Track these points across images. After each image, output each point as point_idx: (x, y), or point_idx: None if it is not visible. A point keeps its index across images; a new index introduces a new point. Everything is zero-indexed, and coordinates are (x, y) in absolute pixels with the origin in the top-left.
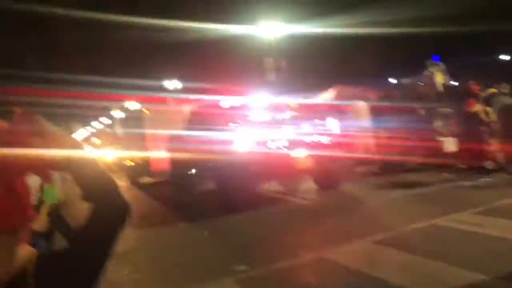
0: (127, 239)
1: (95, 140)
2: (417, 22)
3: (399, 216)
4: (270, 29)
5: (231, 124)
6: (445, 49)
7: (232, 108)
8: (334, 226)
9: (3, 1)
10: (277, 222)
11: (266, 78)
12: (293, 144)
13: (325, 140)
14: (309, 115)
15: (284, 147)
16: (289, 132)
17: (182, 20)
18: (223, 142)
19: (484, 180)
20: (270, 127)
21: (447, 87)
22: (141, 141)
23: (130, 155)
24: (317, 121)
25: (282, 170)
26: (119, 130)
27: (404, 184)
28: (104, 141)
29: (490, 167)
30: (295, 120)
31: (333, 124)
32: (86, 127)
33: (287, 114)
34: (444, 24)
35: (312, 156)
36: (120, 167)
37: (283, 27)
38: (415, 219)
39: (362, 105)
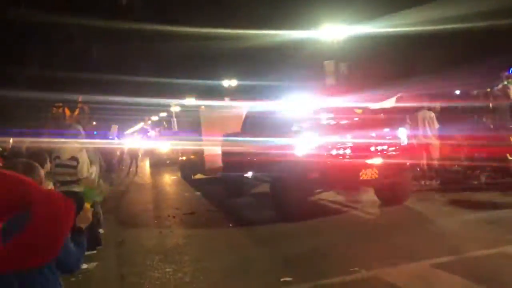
0: (175, 236)
1: (152, 133)
2: (492, 19)
3: (464, 240)
4: (331, 32)
5: (290, 128)
6: None
7: (293, 112)
8: (393, 245)
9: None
10: (332, 234)
11: (327, 82)
12: (358, 153)
13: (393, 150)
14: (375, 122)
15: (348, 155)
16: (354, 140)
17: (244, 28)
18: (282, 146)
19: None
20: (333, 133)
21: None
22: (197, 137)
23: (185, 149)
24: (384, 129)
25: (343, 179)
26: (175, 125)
27: (470, 204)
28: (161, 134)
29: None
30: (359, 126)
31: (402, 133)
32: (145, 121)
33: (352, 120)
34: None
35: (378, 166)
36: (174, 161)
37: (346, 29)
38: (482, 244)
39: (428, 114)
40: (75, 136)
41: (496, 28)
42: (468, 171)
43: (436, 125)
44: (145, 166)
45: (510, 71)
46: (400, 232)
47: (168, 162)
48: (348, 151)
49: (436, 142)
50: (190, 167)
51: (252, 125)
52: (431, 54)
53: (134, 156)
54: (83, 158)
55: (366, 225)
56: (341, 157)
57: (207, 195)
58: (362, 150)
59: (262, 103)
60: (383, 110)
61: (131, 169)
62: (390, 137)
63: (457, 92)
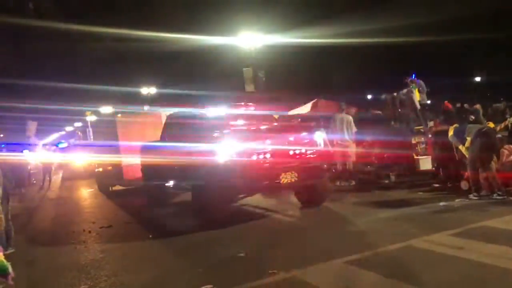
0: (90, 251)
1: (63, 144)
2: (394, 35)
3: (375, 236)
4: (249, 40)
5: (211, 134)
6: (422, 67)
7: (212, 117)
8: (310, 245)
9: None
10: (252, 239)
11: (245, 88)
12: (276, 157)
13: (311, 153)
14: (292, 127)
15: (267, 159)
16: (272, 144)
17: (161, 31)
18: (202, 152)
19: (460, 201)
20: (252, 138)
21: (423, 105)
22: (113, 147)
23: (101, 160)
24: (301, 133)
25: (264, 184)
26: (91, 135)
27: (381, 202)
28: (76, 146)
29: (466, 188)
30: (278, 131)
31: (319, 137)
32: (59, 132)
33: (270, 125)
34: (422, 39)
35: (296, 170)
36: (90, 172)
37: (263, 38)
38: (390, 239)
39: (342, 118)
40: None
41: (402, 41)
42: (380, 171)
43: (354, 129)
44: (59, 179)
45: (413, 77)
46: (317, 232)
47: (83, 174)
48: (268, 156)
49: (352, 145)
50: (108, 179)
51: (172, 132)
52: (344, 63)
53: (47, 170)
54: None
55: (285, 228)
56: (261, 162)
57: (126, 207)
58: (281, 155)
59: (182, 110)
60: (300, 116)
61: (43, 184)
62: (308, 141)
63: (369, 96)
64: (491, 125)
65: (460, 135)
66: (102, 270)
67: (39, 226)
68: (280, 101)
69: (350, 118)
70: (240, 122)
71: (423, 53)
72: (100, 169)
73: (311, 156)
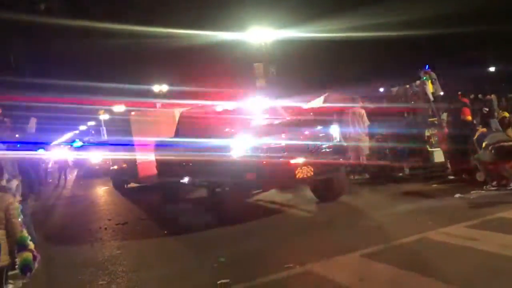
0: (107, 247)
1: (78, 142)
2: (407, 27)
3: (389, 229)
4: (259, 35)
5: (225, 130)
6: (435, 59)
7: (226, 113)
8: (325, 239)
9: None
10: (268, 234)
11: (256, 83)
12: (293, 152)
13: (327, 147)
14: (308, 121)
15: (283, 154)
16: (288, 139)
17: (172, 28)
18: (217, 148)
19: (475, 192)
20: (267, 133)
21: (436, 97)
22: (128, 145)
23: (115, 158)
24: (317, 127)
25: (279, 179)
26: (104, 133)
27: (395, 196)
28: (90, 144)
29: (481, 179)
30: (293, 125)
31: (335, 131)
32: (73, 131)
33: (285, 120)
34: (434, 30)
35: (312, 164)
36: (105, 170)
37: (273, 33)
38: (406, 232)
39: (357, 111)
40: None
41: (415, 33)
42: (393, 164)
43: (366, 123)
44: (74, 178)
45: (427, 68)
46: (332, 226)
47: (98, 172)
48: (283, 151)
49: (365, 138)
50: (122, 176)
51: (186, 128)
52: (356, 56)
53: (62, 168)
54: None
55: (301, 222)
56: (277, 157)
57: (141, 204)
58: (297, 149)
59: (195, 106)
60: (314, 110)
61: (59, 182)
62: (324, 135)
63: (381, 89)
64: (506, 114)
65: (480, 139)
66: (119, 266)
67: (56, 223)
68: (292, 95)
69: (363, 111)
70: (255, 116)
71: (436, 45)
72: (115, 167)
73: (327, 150)
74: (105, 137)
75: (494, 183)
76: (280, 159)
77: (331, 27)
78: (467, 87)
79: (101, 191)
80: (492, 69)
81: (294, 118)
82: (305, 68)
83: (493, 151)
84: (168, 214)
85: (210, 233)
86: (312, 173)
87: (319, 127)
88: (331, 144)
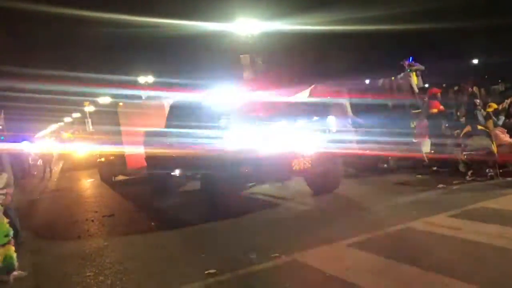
0: (94, 239)
1: (64, 134)
2: (392, 21)
3: (375, 219)
4: (246, 26)
5: (218, 120)
6: (418, 50)
7: (219, 103)
8: (313, 230)
9: None
10: (259, 226)
11: (243, 74)
12: (289, 143)
13: (321, 139)
14: (304, 112)
15: (279, 146)
16: (283, 130)
17: (157, 17)
18: (211, 139)
19: (457, 183)
20: (262, 123)
21: (420, 88)
22: (116, 136)
23: (103, 150)
24: (312, 118)
25: (276, 171)
26: (91, 125)
27: (380, 187)
28: (75, 135)
29: (464, 170)
30: (289, 117)
31: (332, 122)
32: (58, 123)
33: (281, 110)
34: (418, 24)
35: (310, 156)
36: (92, 163)
37: (260, 24)
38: (391, 222)
39: (346, 103)
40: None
41: (400, 27)
42: (380, 157)
43: (350, 114)
44: (60, 170)
45: (411, 60)
46: (321, 217)
47: (84, 165)
48: (279, 142)
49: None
50: (110, 169)
51: (177, 119)
52: (342, 49)
53: (47, 161)
54: None
55: (292, 214)
56: (273, 148)
57: (129, 196)
58: (293, 140)
59: (187, 95)
60: (306, 101)
61: (44, 175)
62: (320, 125)
63: (367, 81)
64: (494, 106)
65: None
66: (106, 258)
67: (42, 216)
68: (279, 87)
69: (346, 103)
70: (250, 107)
71: (420, 38)
72: (103, 159)
73: (324, 141)
74: (90, 129)
75: (470, 172)
76: (276, 151)
77: (318, 20)
78: (450, 79)
79: (88, 184)
80: (475, 61)
81: (291, 108)
82: (292, 60)
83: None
84: (156, 206)
85: (200, 225)
86: (309, 165)
87: (316, 117)
88: (328, 134)
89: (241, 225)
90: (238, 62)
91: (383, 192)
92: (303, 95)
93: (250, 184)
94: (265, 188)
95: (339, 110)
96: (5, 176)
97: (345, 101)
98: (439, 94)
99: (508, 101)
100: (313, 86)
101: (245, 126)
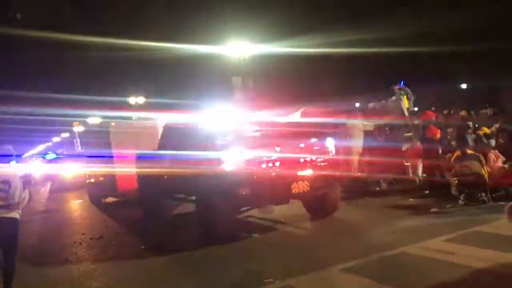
0: (82, 262)
1: (51, 155)
2: (383, 44)
3: (369, 244)
4: (239, 49)
5: (215, 142)
6: (408, 74)
7: (213, 124)
8: (309, 254)
9: None
10: (254, 250)
11: (234, 97)
12: (288, 165)
13: (322, 161)
14: (303, 134)
15: (277, 168)
16: (282, 152)
17: (149, 41)
18: (206, 161)
19: (450, 206)
20: (260, 145)
21: (411, 112)
22: (106, 157)
23: (92, 171)
24: (311, 140)
25: (274, 194)
26: (78, 145)
27: (373, 210)
28: (64, 156)
29: (456, 194)
30: (288, 139)
31: (330, 144)
32: (46, 143)
33: (279, 133)
34: (408, 48)
35: (309, 179)
36: (81, 184)
37: (252, 47)
38: (384, 246)
39: (349, 125)
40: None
41: (390, 50)
42: (371, 179)
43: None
44: (47, 192)
45: (402, 84)
46: (317, 242)
47: (73, 186)
48: (278, 164)
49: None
50: (100, 190)
51: (172, 139)
52: (333, 71)
53: (26, 182)
54: (16, 182)
55: (289, 238)
56: (271, 171)
57: (118, 218)
58: (292, 163)
59: (180, 116)
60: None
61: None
62: (319, 148)
63: (357, 104)
64: (485, 130)
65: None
66: (94, 282)
67: (28, 239)
68: (270, 109)
69: (351, 124)
70: (246, 128)
71: (410, 62)
72: (92, 180)
73: (323, 164)
74: (79, 149)
75: (462, 196)
76: (275, 173)
77: (308, 43)
78: (439, 103)
79: (76, 205)
80: (464, 86)
81: (289, 131)
82: (283, 83)
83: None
84: (147, 229)
85: (193, 249)
86: (308, 188)
87: (314, 140)
88: (328, 157)
89: (236, 249)
90: (229, 84)
91: (378, 216)
92: (294, 117)
93: (247, 207)
94: (263, 211)
95: (352, 131)
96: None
97: (351, 122)
98: (434, 118)
99: (497, 125)
100: (303, 109)
101: (242, 147)
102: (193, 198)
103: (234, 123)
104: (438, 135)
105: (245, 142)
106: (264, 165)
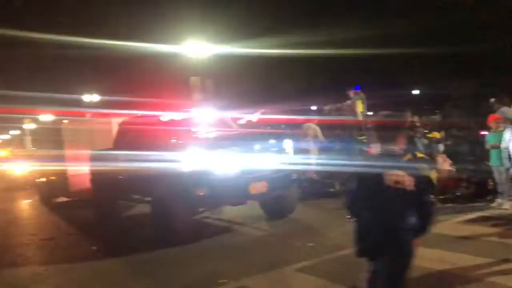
0: (30, 264)
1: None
2: (340, 48)
3: (323, 244)
4: (197, 49)
5: (172, 142)
6: (364, 79)
7: (172, 123)
8: (265, 255)
9: None
10: (210, 251)
11: (194, 97)
12: (245, 166)
13: (280, 161)
14: (263, 134)
15: (235, 168)
16: (241, 152)
17: (105, 38)
18: (163, 161)
19: None
20: (218, 146)
21: (365, 116)
22: (58, 155)
23: (43, 170)
24: (269, 141)
25: (233, 195)
26: (29, 143)
27: (326, 211)
28: (13, 154)
29: None
30: (246, 138)
31: (288, 145)
32: None
33: (235, 133)
34: (365, 52)
35: (267, 179)
36: (31, 183)
37: (211, 48)
38: (339, 246)
39: (306, 126)
40: None
41: (346, 53)
42: (325, 180)
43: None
44: None
45: (358, 88)
46: (273, 242)
47: (22, 185)
48: (236, 165)
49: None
50: (51, 190)
51: (127, 138)
52: (291, 74)
53: None
54: None
55: (244, 239)
56: (229, 172)
57: (70, 219)
58: (250, 163)
59: (137, 115)
60: (251, 123)
61: None
62: (277, 149)
63: (313, 107)
64: (436, 134)
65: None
66: (44, 285)
67: None
68: (230, 110)
69: (311, 126)
70: (204, 128)
71: (366, 66)
72: (43, 179)
73: (281, 164)
74: (30, 147)
75: None
76: (233, 174)
77: (268, 44)
78: (393, 108)
79: (25, 205)
80: (417, 92)
81: (247, 131)
82: (242, 84)
83: None
84: (101, 230)
85: (147, 250)
86: (265, 189)
87: (272, 141)
88: (285, 157)
89: (191, 251)
90: (188, 83)
91: (332, 217)
92: (253, 118)
93: (205, 208)
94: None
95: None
96: None
97: (308, 123)
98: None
99: (445, 131)
100: (262, 110)
101: (200, 147)
102: (149, 199)
103: (193, 123)
104: None
105: (204, 142)
106: (222, 166)
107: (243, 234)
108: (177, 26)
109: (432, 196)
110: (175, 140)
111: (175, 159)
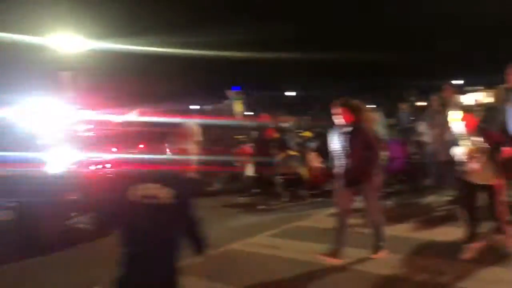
0: None
1: None
2: (221, 49)
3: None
4: (68, 42)
5: (39, 141)
6: (245, 80)
7: (36, 122)
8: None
9: None
10: (79, 260)
11: (64, 93)
12: (123, 167)
13: (158, 162)
14: (141, 136)
15: (109, 171)
16: (117, 153)
17: None
18: (28, 162)
19: (276, 204)
20: (90, 146)
21: (245, 115)
22: None
23: None
24: (147, 141)
25: (109, 199)
26: None
27: (205, 210)
28: None
29: (280, 192)
30: (121, 139)
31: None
32: None
33: (110, 132)
34: (246, 54)
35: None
36: None
37: (85, 42)
38: (213, 245)
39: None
40: None
41: (227, 55)
42: (205, 179)
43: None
44: None
45: (237, 89)
46: None
47: None
48: (113, 167)
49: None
50: None
51: None
52: (171, 73)
53: None
54: None
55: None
56: (103, 174)
57: None
58: (126, 165)
59: None
60: (134, 124)
61: None
62: (155, 149)
63: (197, 107)
64: (308, 134)
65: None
66: None
67: None
68: (104, 108)
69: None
70: (76, 127)
71: (245, 68)
72: None
73: (161, 164)
74: None
75: (286, 194)
76: (107, 176)
77: (148, 42)
78: (270, 108)
79: None
80: (293, 93)
81: (123, 130)
82: (118, 81)
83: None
84: None
85: (8, 261)
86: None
87: (150, 141)
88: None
89: (59, 259)
90: (56, 78)
91: (209, 215)
92: (129, 117)
93: (76, 213)
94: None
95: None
96: None
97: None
98: (269, 121)
99: (315, 129)
100: (140, 109)
101: (70, 148)
102: (12, 204)
103: (61, 121)
104: (276, 136)
105: (75, 142)
106: (95, 168)
107: (114, 239)
108: (46, 16)
109: (304, 191)
110: (40, 140)
111: (43, 160)
